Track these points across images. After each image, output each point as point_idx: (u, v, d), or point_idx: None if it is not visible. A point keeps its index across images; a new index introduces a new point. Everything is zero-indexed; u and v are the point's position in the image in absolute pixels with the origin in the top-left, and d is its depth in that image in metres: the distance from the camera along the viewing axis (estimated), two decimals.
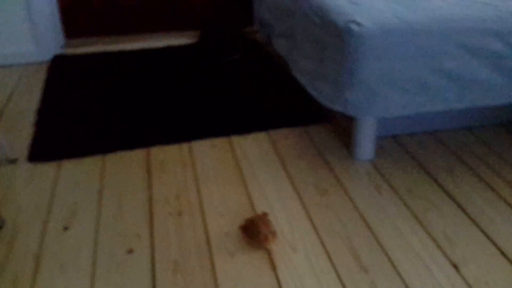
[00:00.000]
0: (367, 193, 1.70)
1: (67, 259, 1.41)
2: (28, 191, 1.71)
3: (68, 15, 2.92)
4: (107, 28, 3.02)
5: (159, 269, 1.37)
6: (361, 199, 1.67)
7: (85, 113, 2.19)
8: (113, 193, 1.69)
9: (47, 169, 1.83)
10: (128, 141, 1.98)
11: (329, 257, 1.42)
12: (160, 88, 2.43)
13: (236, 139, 2.02)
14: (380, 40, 1.59)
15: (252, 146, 1.97)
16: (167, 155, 1.91)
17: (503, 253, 1.44)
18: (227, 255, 1.42)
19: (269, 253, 1.43)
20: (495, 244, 1.47)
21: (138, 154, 1.92)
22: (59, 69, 2.67)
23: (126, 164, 1.85)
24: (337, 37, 1.66)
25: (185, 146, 1.98)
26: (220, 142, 2.00)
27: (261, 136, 2.05)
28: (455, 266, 1.40)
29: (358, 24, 1.58)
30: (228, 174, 1.80)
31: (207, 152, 1.93)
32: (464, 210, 1.62)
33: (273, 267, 1.38)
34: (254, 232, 1.44)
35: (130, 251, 1.44)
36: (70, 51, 2.91)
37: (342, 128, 2.10)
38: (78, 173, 1.80)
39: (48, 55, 2.82)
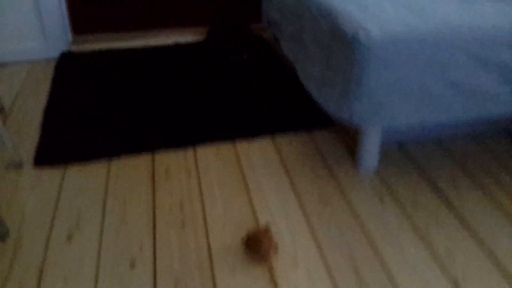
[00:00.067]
0: (370, 204, 1.70)
1: (71, 270, 1.43)
2: (33, 197, 1.73)
3: (76, 11, 2.92)
4: (115, 24, 3.01)
5: (160, 283, 1.39)
6: (363, 210, 1.67)
7: (91, 114, 2.20)
8: (117, 201, 1.70)
9: (52, 174, 1.84)
10: (133, 144, 1.99)
11: (329, 273, 1.43)
12: (167, 88, 2.43)
13: (241, 144, 2.02)
14: (388, 49, 1.57)
15: (257, 152, 1.97)
16: (171, 160, 1.92)
17: (504, 270, 1.44)
18: (228, 270, 1.43)
19: (270, 268, 1.44)
20: (496, 261, 1.47)
21: (143, 160, 1.92)
22: (66, 67, 2.68)
23: (130, 170, 1.86)
24: (344, 45, 1.64)
25: (190, 151, 1.98)
26: (224, 147, 2.00)
27: (266, 141, 2.05)
28: (455, 282, 1.40)
29: (367, 32, 1.56)
30: (232, 182, 1.80)
31: (212, 157, 1.94)
32: (466, 224, 1.61)
33: (274, 284, 1.39)
34: (256, 246, 1.45)
35: (133, 264, 1.45)
36: (78, 47, 2.91)
37: (348, 134, 2.09)
38: (83, 179, 1.82)
39: (55, 52, 2.83)
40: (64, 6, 2.82)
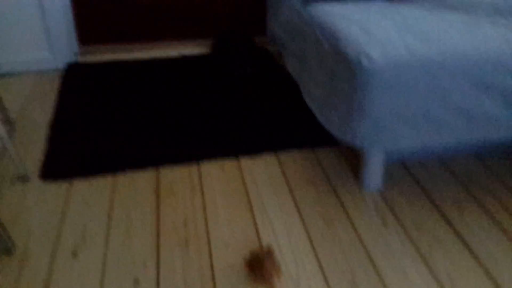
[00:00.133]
0: (374, 226, 1.71)
1: (75, 287, 1.44)
2: (39, 211, 1.74)
3: (82, 22, 2.94)
4: (121, 35, 3.03)
5: None
6: (367, 232, 1.68)
7: (97, 127, 2.21)
8: (122, 217, 1.72)
9: (58, 188, 1.86)
10: (139, 159, 2.00)
11: None
12: (172, 102, 2.44)
13: (245, 161, 2.04)
14: (390, 75, 1.59)
15: (261, 169, 1.99)
16: (176, 176, 1.93)
17: None
18: None
19: None
20: (496, 286, 1.48)
21: (148, 174, 1.94)
22: (73, 78, 2.70)
23: (136, 185, 1.88)
24: (347, 69, 1.66)
25: (194, 167, 1.99)
26: (229, 164, 2.02)
27: (270, 158, 2.06)
28: None
29: (369, 58, 1.57)
30: (236, 200, 1.81)
31: (216, 174, 1.95)
32: (469, 248, 1.62)
33: None
34: (259, 267, 1.46)
35: (137, 281, 1.46)
36: (84, 58, 2.94)
37: (352, 152, 2.10)
38: (88, 194, 1.83)
39: (62, 62, 2.85)
40: (70, 17, 2.85)
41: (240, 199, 1.82)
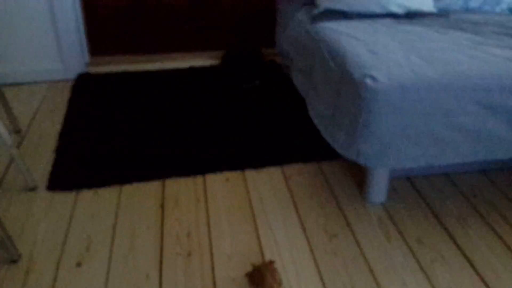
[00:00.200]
0: (376, 240, 1.71)
1: None
2: (46, 221, 1.76)
3: (93, 33, 2.98)
4: (132, 46, 3.07)
5: None
6: (369, 246, 1.68)
7: (105, 138, 2.24)
8: (126, 228, 1.74)
9: (65, 199, 1.88)
10: (145, 171, 2.03)
11: None
12: (180, 114, 2.47)
13: (250, 174, 2.05)
14: (395, 96, 1.60)
15: (265, 183, 2.00)
16: (181, 188, 1.95)
17: None
18: None
19: None
20: None
21: (153, 187, 1.96)
22: (82, 88, 2.74)
23: (141, 197, 1.90)
24: (352, 89, 1.67)
25: (199, 180, 2.01)
26: (234, 177, 2.03)
27: (274, 171, 2.07)
28: None
29: (374, 79, 1.59)
30: (240, 212, 1.83)
31: (221, 187, 1.97)
32: (471, 264, 1.62)
33: None
34: (260, 280, 1.47)
35: None
36: (95, 69, 2.98)
37: (357, 166, 2.11)
38: (94, 205, 1.85)
39: (73, 73, 2.89)
40: (82, 28, 2.89)
41: (244, 212, 1.83)
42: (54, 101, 2.64)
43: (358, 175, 2.05)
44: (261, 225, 1.77)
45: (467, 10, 2.42)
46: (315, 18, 2.26)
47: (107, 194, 1.91)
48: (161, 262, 1.60)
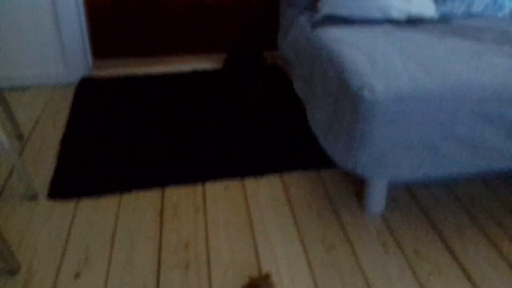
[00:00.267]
0: (374, 251, 1.72)
1: None
2: (45, 230, 1.78)
3: (97, 37, 2.99)
4: (135, 50, 3.08)
5: None
6: (366, 257, 1.69)
7: (106, 145, 2.26)
8: (125, 238, 1.75)
9: (65, 207, 1.90)
10: (145, 179, 2.04)
11: None
12: (180, 120, 2.48)
13: (249, 182, 2.06)
14: (392, 107, 1.59)
15: (265, 191, 2.00)
16: (180, 197, 1.96)
17: None
18: None
19: None
20: None
21: (153, 194, 1.97)
22: (85, 92, 2.75)
23: (140, 205, 1.91)
24: (350, 98, 1.67)
25: (199, 187, 2.02)
26: (233, 185, 2.04)
27: (274, 180, 2.07)
28: None
29: (371, 90, 1.58)
30: (238, 222, 1.83)
31: (220, 196, 1.97)
32: (468, 277, 1.62)
33: None
34: None
35: None
36: (98, 72, 2.99)
37: (356, 174, 2.11)
38: (94, 213, 1.87)
39: (76, 77, 2.90)
40: (85, 31, 2.90)
41: (242, 221, 1.84)
42: (56, 106, 2.65)
43: (358, 184, 2.05)
44: (259, 235, 1.78)
45: (470, 15, 2.40)
46: (316, 24, 2.25)
47: (107, 202, 1.92)
48: (158, 274, 1.61)
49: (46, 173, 2.09)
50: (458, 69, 1.72)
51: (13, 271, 1.60)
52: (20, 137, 2.33)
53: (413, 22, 2.27)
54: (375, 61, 1.77)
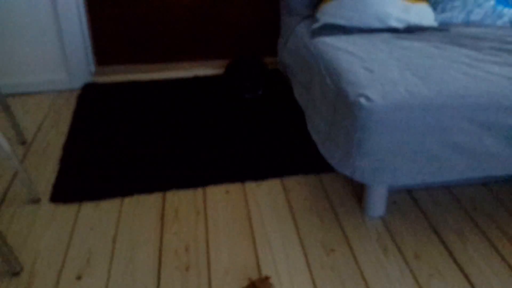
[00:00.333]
0: (374, 255, 1.72)
1: None
2: (48, 233, 1.79)
3: (99, 43, 3.02)
4: (137, 56, 3.11)
5: None
6: (366, 261, 1.69)
7: (108, 149, 2.27)
8: (126, 241, 1.76)
9: (67, 211, 1.91)
10: (146, 183, 2.05)
11: None
12: (181, 124, 2.50)
13: (250, 186, 2.07)
14: (389, 115, 1.60)
15: (265, 195, 2.01)
16: (181, 201, 1.97)
17: None
18: None
19: None
20: None
21: (154, 199, 1.98)
22: (88, 99, 2.77)
23: (142, 210, 1.92)
24: (347, 107, 1.68)
25: (199, 192, 2.03)
26: (234, 189, 2.05)
27: (275, 184, 2.09)
28: None
29: (368, 99, 1.60)
30: (239, 226, 1.84)
31: (221, 200, 1.99)
32: (469, 280, 1.62)
33: None
34: None
35: None
36: (100, 79, 3.01)
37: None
38: (96, 216, 1.88)
39: (79, 83, 2.93)
40: (87, 38, 2.93)
41: (243, 225, 1.85)
42: (59, 112, 2.67)
43: (358, 188, 2.06)
44: (259, 239, 1.79)
45: (469, 23, 2.42)
46: (315, 33, 2.27)
47: (109, 206, 1.94)
48: (159, 276, 1.62)
49: (49, 177, 2.11)
50: (455, 78, 1.73)
51: (16, 273, 1.61)
52: (23, 142, 2.36)
53: (412, 30, 2.29)
54: (372, 70, 1.79)
